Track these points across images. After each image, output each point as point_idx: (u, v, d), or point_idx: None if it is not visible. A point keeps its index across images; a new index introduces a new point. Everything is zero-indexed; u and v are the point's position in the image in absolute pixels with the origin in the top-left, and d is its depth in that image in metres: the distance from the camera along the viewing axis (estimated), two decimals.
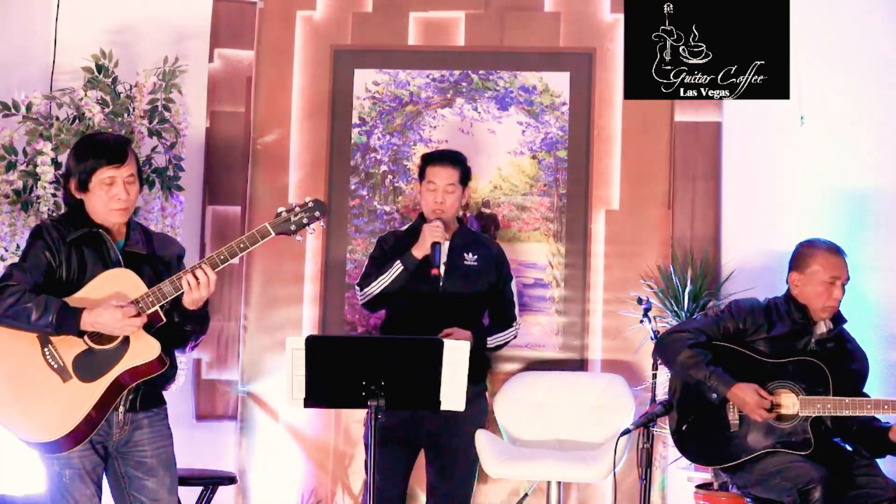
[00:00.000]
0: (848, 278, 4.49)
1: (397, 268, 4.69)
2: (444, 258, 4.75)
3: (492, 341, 4.84)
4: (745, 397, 4.34)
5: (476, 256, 4.82)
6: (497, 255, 4.92)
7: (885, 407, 4.30)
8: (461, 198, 4.85)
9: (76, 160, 3.75)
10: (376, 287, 4.73)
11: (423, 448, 4.79)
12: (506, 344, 4.94)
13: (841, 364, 4.46)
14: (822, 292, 4.46)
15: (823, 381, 4.37)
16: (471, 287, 4.78)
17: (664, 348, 4.52)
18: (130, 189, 3.77)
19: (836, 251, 4.50)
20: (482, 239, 5.03)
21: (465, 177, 4.85)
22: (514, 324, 4.92)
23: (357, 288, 4.85)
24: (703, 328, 4.52)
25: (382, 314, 5.03)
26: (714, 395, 4.40)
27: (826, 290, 4.45)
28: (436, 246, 4.65)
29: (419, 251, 4.68)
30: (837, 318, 4.53)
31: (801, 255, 4.53)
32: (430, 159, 4.88)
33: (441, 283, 4.74)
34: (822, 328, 4.51)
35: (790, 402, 4.39)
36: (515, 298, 4.97)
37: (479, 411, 4.87)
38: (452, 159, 4.85)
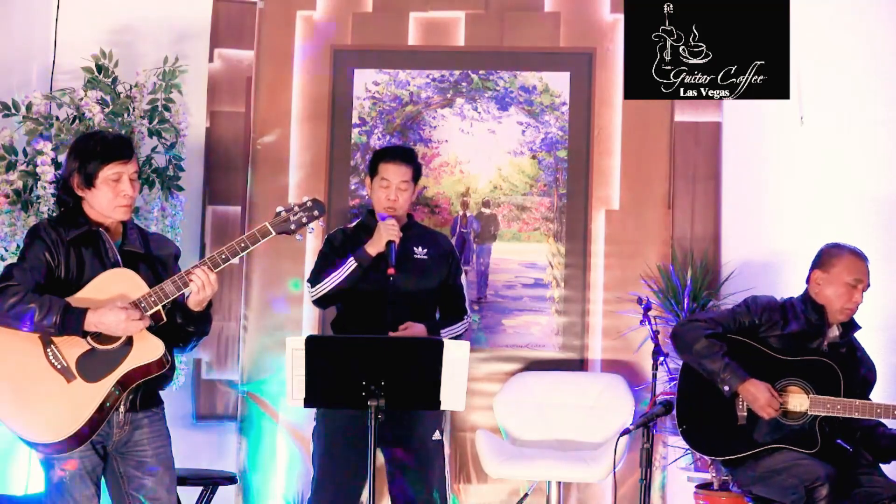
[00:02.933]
0: (869, 285, 4.50)
1: (351, 264, 4.58)
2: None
3: (445, 333, 4.72)
4: (756, 394, 4.35)
5: (426, 250, 4.72)
6: (448, 250, 4.83)
7: (895, 412, 4.31)
8: (412, 194, 4.79)
9: (81, 157, 3.74)
10: (329, 283, 4.61)
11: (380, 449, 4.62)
12: (458, 337, 4.84)
13: (852, 369, 4.47)
14: (843, 293, 4.47)
15: (835, 383, 4.37)
16: (421, 280, 4.68)
17: (681, 336, 4.51)
18: (135, 186, 3.79)
19: (861, 256, 4.53)
20: (432, 233, 4.94)
21: (417, 174, 4.73)
22: (465, 317, 4.81)
23: (308, 285, 4.70)
24: (720, 319, 4.52)
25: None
26: (726, 388, 4.40)
27: (847, 292, 4.46)
28: (391, 244, 4.57)
29: (373, 248, 4.54)
30: (850, 325, 4.54)
31: (827, 255, 4.54)
32: (383, 155, 4.71)
33: (391, 277, 4.67)
34: (834, 332, 4.51)
35: (800, 401, 4.40)
36: (465, 292, 4.88)
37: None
38: (406, 157, 4.70)
